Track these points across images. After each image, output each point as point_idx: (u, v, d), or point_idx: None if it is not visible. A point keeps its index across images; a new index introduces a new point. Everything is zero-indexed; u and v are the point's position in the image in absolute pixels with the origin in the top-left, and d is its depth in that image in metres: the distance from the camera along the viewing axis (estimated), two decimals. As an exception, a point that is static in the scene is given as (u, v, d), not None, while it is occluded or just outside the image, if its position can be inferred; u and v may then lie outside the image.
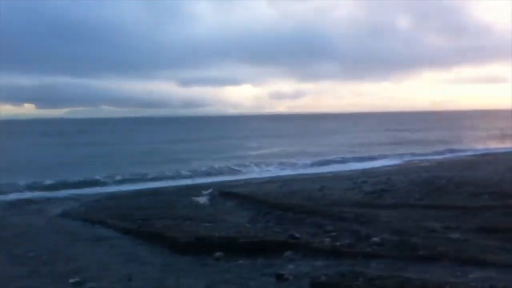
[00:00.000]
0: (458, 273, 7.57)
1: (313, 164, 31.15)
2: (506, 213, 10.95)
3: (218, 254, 9.18)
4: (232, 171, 27.63)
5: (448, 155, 36.59)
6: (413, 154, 36.82)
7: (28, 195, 19.45)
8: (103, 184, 22.83)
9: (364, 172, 24.16)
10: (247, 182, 21.39)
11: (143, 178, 24.50)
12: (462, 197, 12.39)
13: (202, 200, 16.28)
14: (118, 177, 24.23)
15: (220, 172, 27.19)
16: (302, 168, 29.59)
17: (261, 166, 29.64)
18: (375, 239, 9.30)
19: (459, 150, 40.55)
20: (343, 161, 33.02)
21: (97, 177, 23.96)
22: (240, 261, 8.84)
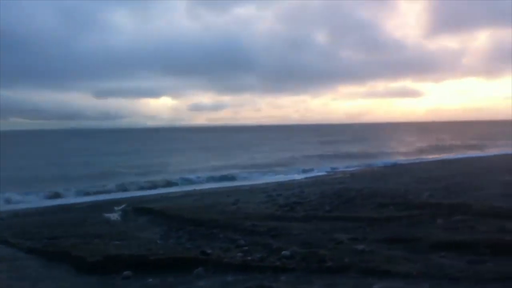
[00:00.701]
0: (363, 284, 7.81)
1: (230, 177, 31.19)
2: (410, 223, 11.44)
3: (127, 273, 8.92)
4: (149, 185, 27.09)
5: (362, 167, 37.79)
6: (329, 166, 37.82)
7: None
8: (11, 201, 21.62)
9: (280, 184, 24.50)
10: (163, 197, 21.07)
11: (54, 194, 23.46)
12: (370, 209, 12.81)
13: (114, 216, 15.81)
14: (26, 194, 23.02)
15: (136, 187, 26.58)
16: (220, 181, 29.54)
17: (179, 179, 29.28)
18: (286, 252, 9.40)
19: (372, 162, 42.02)
20: (261, 173, 33.34)
21: (4, 194, 22.61)
22: (150, 279, 8.65)
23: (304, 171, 35.19)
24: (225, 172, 32.95)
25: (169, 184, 27.90)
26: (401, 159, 45.31)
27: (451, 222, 11.09)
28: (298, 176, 31.31)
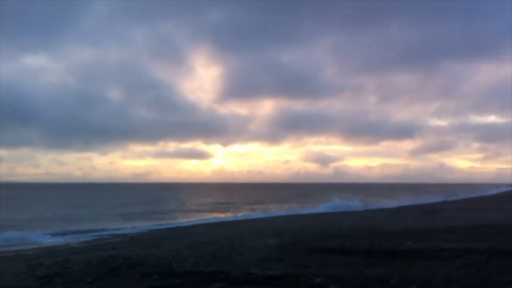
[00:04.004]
0: None
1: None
2: (171, 293, 11.45)
3: None
4: None
5: (143, 229, 37.42)
6: (107, 229, 36.71)
7: None
8: None
9: (49, 250, 22.89)
10: None
11: None
12: (133, 278, 12.46)
13: None
14: None
15: None
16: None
17: None
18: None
19: (155, 224, 41.95)
20: (30, 237, 30.78)
21: None
22: None
23: (84, 233, 33.67)
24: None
25: None
26: (182, 221, 46.08)
27: (210, 290, 11.37)
28: (73, 239, 29.75)
